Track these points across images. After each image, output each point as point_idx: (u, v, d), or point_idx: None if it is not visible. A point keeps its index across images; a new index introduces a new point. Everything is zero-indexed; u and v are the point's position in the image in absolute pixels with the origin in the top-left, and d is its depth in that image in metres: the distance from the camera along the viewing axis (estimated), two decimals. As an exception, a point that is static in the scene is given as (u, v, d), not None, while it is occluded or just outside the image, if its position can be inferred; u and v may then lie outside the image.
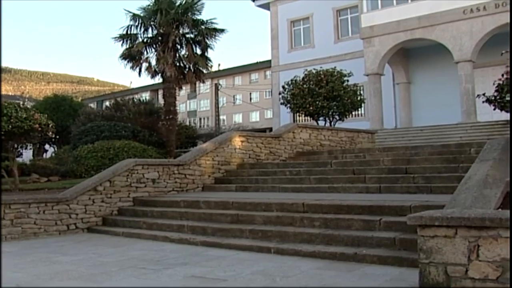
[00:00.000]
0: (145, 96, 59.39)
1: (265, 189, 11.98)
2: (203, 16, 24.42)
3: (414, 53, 27.83)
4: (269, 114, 54.31)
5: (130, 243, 9.32)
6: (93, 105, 66.14)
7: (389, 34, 25.18)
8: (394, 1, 25.34)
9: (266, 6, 35.44)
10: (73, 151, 21.32)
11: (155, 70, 23.35)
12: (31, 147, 23.90)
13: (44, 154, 32.09)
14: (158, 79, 24.28)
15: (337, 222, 7.96)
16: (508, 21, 21.95)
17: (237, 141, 14.63)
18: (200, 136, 39.51)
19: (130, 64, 23.33)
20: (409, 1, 24.81)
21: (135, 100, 31.86)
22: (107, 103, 42.50)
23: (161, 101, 26.70)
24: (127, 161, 12.48)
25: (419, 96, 27.78)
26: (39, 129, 15.73)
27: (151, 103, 32.32)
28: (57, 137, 26.24)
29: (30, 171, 20.42)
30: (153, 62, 23.39)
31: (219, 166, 14.01)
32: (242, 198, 10.36)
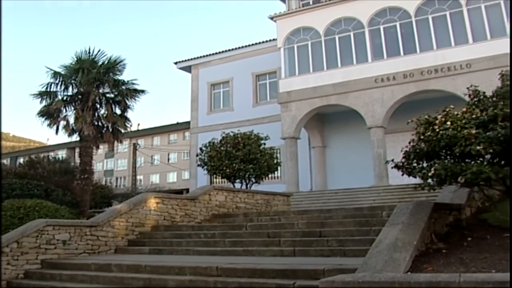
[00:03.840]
0: (62, 154, 57.83)
1: (180, 252, 11.74)
2: (125, 76, 24.32)
3: (329, 118, 28.73)
4: (186, 175, 53.97)
5: (34, 309, 8.82)
6: (6, 161, 63.59)
7: (305, 99, 25.96)
8: (311, 69, 26.25)
9: (187, 69, 35.95)
10: (-20, 210, 20.23)
11: (72, 128, 22.79)
12: None
13: None
14: (75, 137, 23.71)
15: (251, 286, 7.87)
16: (414, 90, 23.28)
17: (152, 203, 14.38)
18: (116, 196, 38.56)
19: (47, 122, 22.66)
20: (325, 69, 25.78)
21: (51, 158, 30.97)
22: (21, 160, 40.99)
23: (78, 159, 26.01)
24: (37, 221, 11.97)
25: (334, 159, 28.52)
26: None
27: (67, 161, 31.50)
28: (-36, 194, 24.89)
29: None
30: (71, 120, 22.83)
31: (133, 228, 13.66)
32: (155, 261, 10.10)
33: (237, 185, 19.55)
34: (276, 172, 23.49)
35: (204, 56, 35.13)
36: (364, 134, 25.08)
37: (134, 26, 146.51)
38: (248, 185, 19.72)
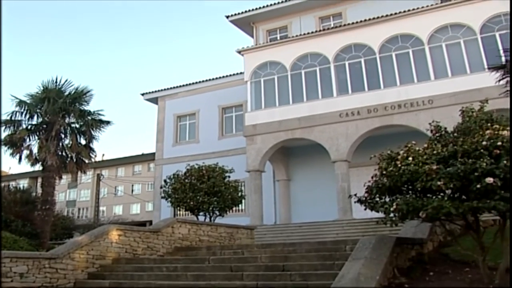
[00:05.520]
0: (23, 183, 56.83)
1: (141, 286, 11.51)
2: (91, 106, 24.12)
3: (294, 152, 28.84)
4: (150, 206, 53.48)
5: None
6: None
7: (271, 133, 26.05)
8: (277, 102, 26.41)
9: (154, 100, 35.97)
10: None
11: (36, 158, 22.53)
12: None
13: None
14: (38, 167, 23.37)
15: (212, 322, 7.74)
16: (378, 125, 23.59)
17: (114, 235, 14.13)
18: (78, 227, 37.96)
19: (10, 151, 22.37)
20: (291, 103, 25.96)
21: (11, 188, 30.34)
22: (-20, 189, 40.01)
23: (40, 189, 25.57)
24: (-7, 253, 11.63)
25: (298, 193, 28.54)
26: None
27: (28, 191, 30.89)
28: None
29: None
30: (35, 150, 22.60)
31: (93, 260, 13.38)
32: (115, 295, 9.89)
33: (201, 218, 19.38)
34: (240, 205, 23.34)
35: (171, 88, 35.13)
36: (328, 167, 25.22)
37: (102, 56, 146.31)
38: (212, 218, 19.57)
